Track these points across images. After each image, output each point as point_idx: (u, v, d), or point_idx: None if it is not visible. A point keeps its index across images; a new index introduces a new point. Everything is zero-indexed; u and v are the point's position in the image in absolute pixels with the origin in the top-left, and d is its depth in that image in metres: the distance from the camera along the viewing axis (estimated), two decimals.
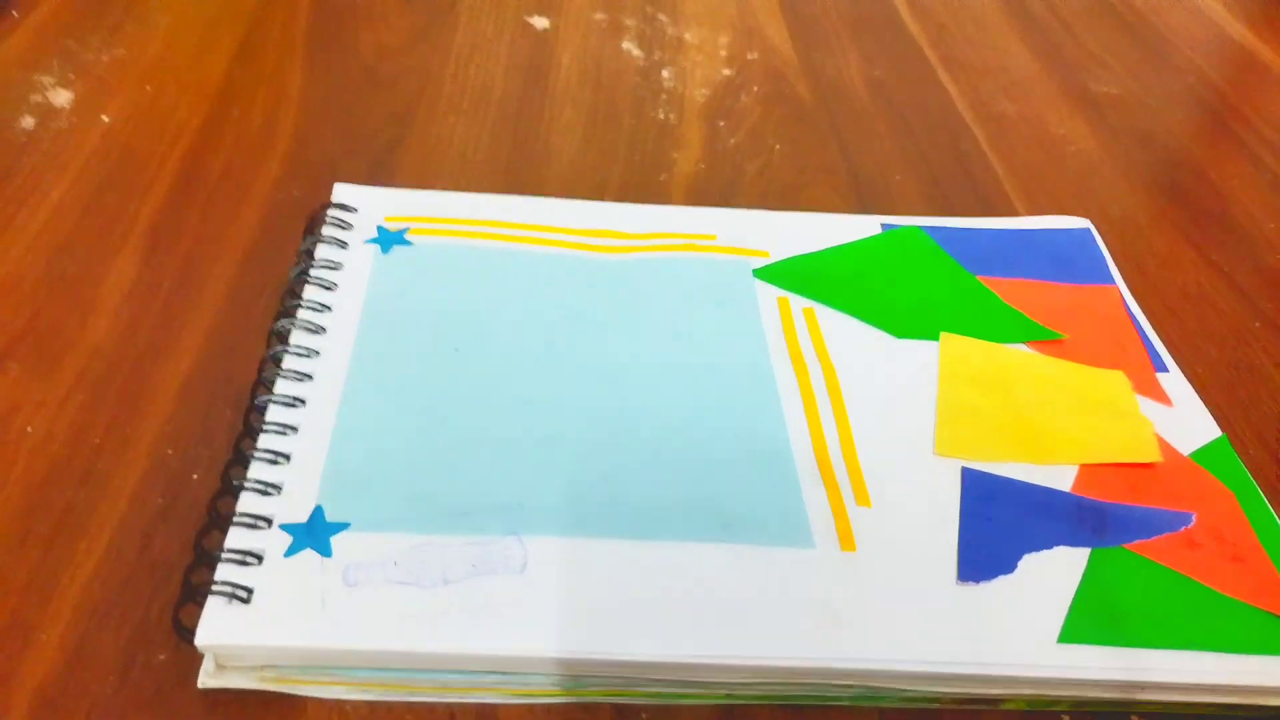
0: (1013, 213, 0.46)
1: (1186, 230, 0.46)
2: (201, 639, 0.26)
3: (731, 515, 0.30)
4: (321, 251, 0.37)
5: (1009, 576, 0.29)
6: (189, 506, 0.31)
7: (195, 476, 0.32)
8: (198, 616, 0.26)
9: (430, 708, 0.27)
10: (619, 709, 0.27)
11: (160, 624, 0.28)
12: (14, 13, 0.54)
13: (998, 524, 0.30)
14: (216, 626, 0.26)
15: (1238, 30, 0.63)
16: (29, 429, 0.33)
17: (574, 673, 0.27)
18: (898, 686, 0.27)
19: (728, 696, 0.27)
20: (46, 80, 0.50)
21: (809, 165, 0.48)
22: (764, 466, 0.31)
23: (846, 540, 0.29)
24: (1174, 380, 0.36)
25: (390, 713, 0.27)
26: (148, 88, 0.50)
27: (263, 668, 0.26)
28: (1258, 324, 0.41)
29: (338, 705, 0.27)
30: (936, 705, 0.28)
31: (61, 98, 0.49)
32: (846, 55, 0.57)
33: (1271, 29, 0.63)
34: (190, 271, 0.39)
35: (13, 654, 0.27)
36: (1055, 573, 0.29)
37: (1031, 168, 0.49)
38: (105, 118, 0.47)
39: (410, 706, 0.27)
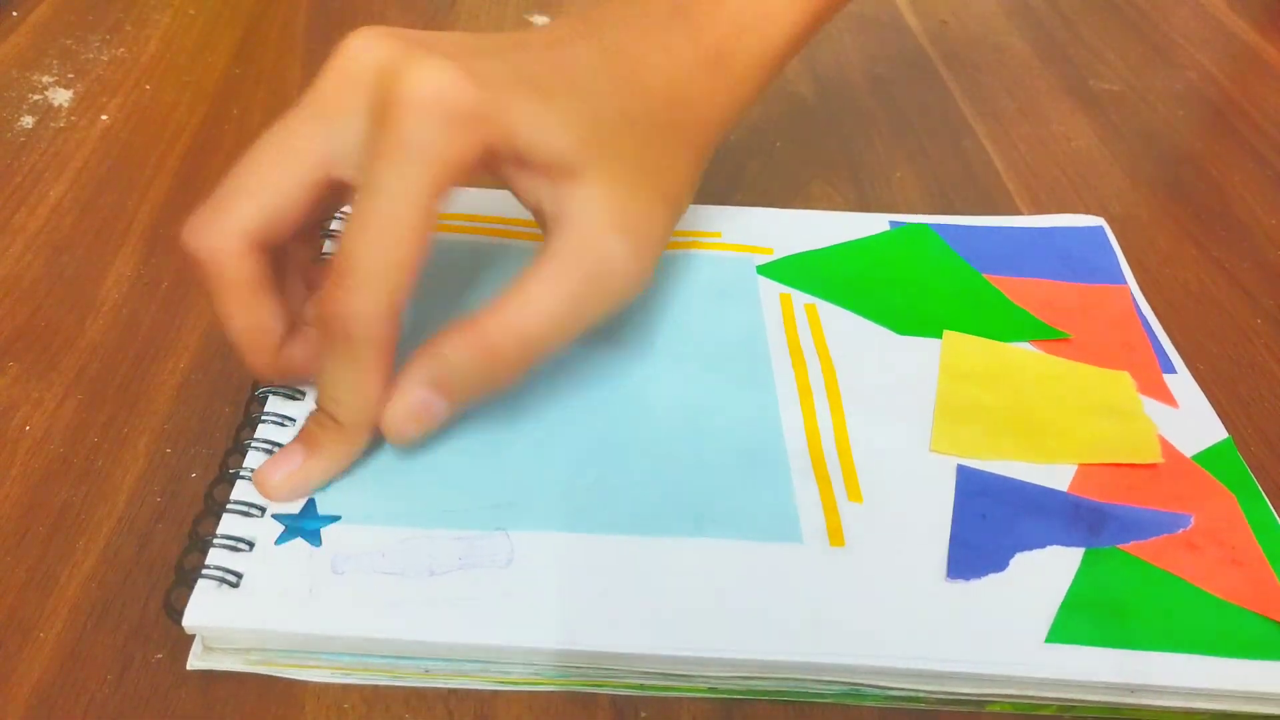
0: (1014, 209, 0.45)
1: (1188, 227, 0.46)
2: (189, 620, 0.26)
3: (719, 510, 0.30)
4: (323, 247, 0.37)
5: (999, 575, 0.28)
6: (187, 505, 0.31)
7: (194, 475, 0.32)
8: (188, 599, 0.26)
9: (421, 693, 0.27)
10: (616, 706, 0.27)
11: (158, 623, 0.28)
12: (14, 12, 0.54)
13: (991, 521, 0.30)
14: (205, 608, 0.26)
15: (1240, 27, 0.63)
16: (27, 427, 0.33)
17: (556, 663, 0.27)
18: (880, 684, 0.27)
19: (711, 690, 0.27)
20: (46, 80, 0.50)
21: (811, 162, 0.48)
22: (755, 462, 0.31)
23: (835, 536, 0.29)
24: (1181, 381, 0.36)
25: (388, 711, 0.27)
26: (147, 87, 0.50)
27: (250, 650, 0.27)
28: (1260, 321, 0.41)
29: (335, 704, 0.27)
30: (920, 705, 0.27)
31: (61, 97, 0.49)
32: (848, 52, 0.57)
33: (1274, 26, 0.63)
34: (189, 270, 0.39)
35: (11, 652, 0.27)
36: (1047, 572, 0.29)
37: (1033, 165, 0.49)
38: (104, 117, 0.47)
39: (406, 700, 0.27)
